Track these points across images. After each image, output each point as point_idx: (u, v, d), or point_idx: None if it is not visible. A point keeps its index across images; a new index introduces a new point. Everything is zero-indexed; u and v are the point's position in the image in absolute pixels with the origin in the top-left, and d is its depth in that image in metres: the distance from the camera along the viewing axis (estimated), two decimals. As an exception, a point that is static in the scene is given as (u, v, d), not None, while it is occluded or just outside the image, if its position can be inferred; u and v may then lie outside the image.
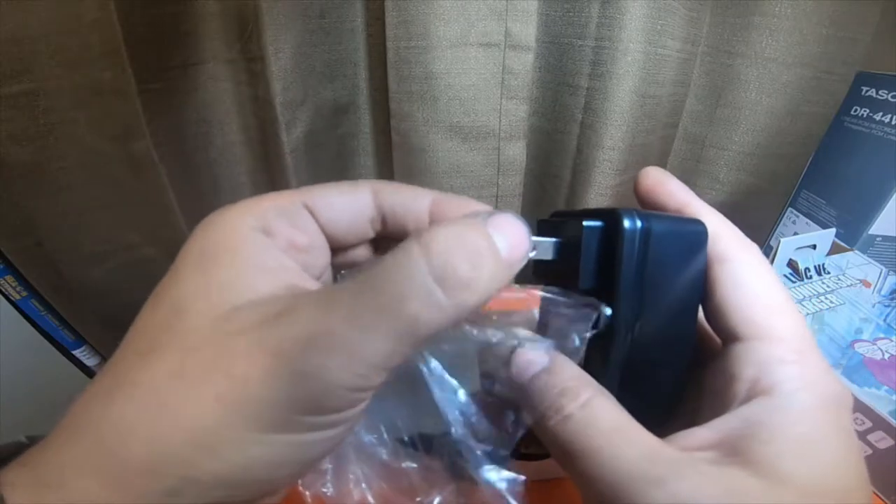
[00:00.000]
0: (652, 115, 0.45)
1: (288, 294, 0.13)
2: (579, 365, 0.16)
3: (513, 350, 0.17)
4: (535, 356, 0.16)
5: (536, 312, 0.46)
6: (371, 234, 0.17)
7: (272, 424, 0.11)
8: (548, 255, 0.17)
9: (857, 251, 0.49)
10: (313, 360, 0.11)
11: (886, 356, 0.38)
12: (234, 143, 0.49)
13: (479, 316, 0.18)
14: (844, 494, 0.13)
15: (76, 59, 0.37)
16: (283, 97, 0.43)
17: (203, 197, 0.49)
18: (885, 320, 0.42)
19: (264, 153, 0.49)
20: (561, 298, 0.17)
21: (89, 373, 0.50)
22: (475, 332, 0.18)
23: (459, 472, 0.16)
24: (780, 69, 0.45)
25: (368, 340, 0.11)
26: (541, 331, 0.20)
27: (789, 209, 0.60)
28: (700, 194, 0.57)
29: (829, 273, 0.47)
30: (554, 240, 0.17)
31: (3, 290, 0.43)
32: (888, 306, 0.44)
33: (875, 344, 0.39)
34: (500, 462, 0.16)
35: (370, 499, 0.16)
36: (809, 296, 0.44)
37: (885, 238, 0.51)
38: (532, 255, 0.15)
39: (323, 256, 0.17)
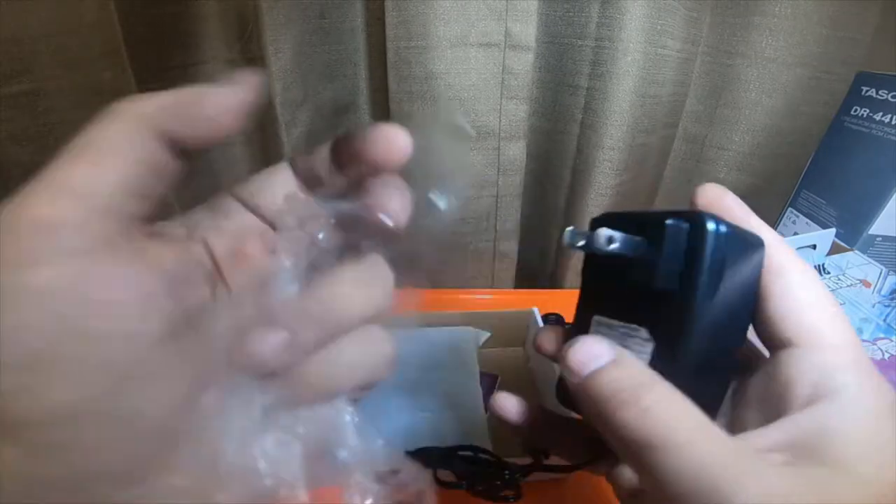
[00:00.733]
0: (652, 115, 0.45)
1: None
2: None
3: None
4: (600, 349, 0.16)
5: (537, 312, 0.46)
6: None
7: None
8: (626, 250, 0.16)
9: (857, 251, 0.49)
10: None
11: (886, 356, 0.38)
12: (234, 143, 0.49)
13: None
14: None
15: (76, 59, 0.37)
16: (283, 97, 0.43)
17: (203, 197, 0.50)
18: (885, 320, 0.42)
19: (264, 153, 0.49)
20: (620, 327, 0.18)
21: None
22: None
23: None
24: (780, 69, 0.45)
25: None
26: None
27: (789, 209, 0.60)
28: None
29: (829, 273, 0.47)
30: (637, 237, 0.16)
31: (3, 290, 0.43)
32: (888, 306, 0.44)
33: (875, 344, 0.39)
34: None
35: None
36: (809, 296, 0.44)
37: (885, 238, 0.51)
38: (613, 247, 0.15)
39: None
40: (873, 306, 0.44)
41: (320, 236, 0.15)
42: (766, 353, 0.17)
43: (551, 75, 0.47)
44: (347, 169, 0.16)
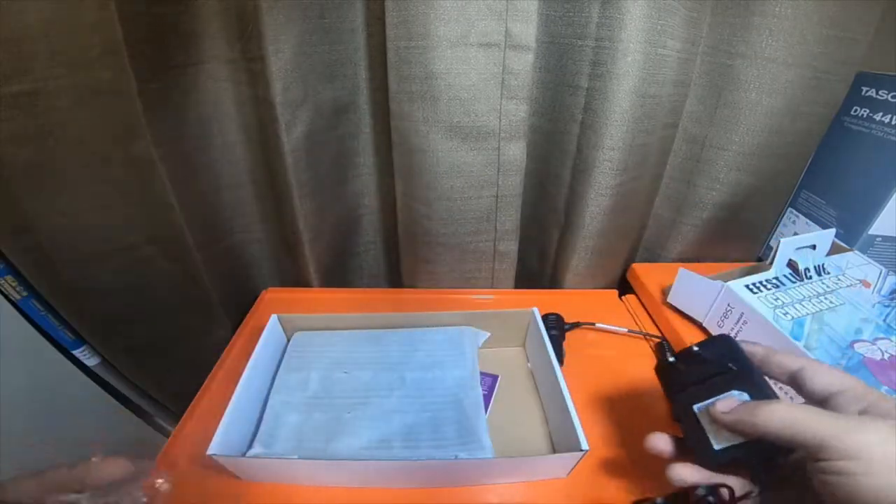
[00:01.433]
0: (652, 115, 0.45)
1: None
2: None
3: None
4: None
5: (537, 312, 0.46)
6: None
7: None
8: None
9: (857, 251, 0.49)
10: None
11: (886, 356, 0.38)
12: (234, 143, 0.49)
13: None
14: None
15: (76, 59, 0.37)
16: (283, 97, 0.43)
17: (203, 197, 0.49)
18: (884, 320, 0.42)
19: (264, 153, 0.49)
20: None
21: (89, 373, 0.50)
22: None
23: None
24: (780, 69, 0.45)
25: None
26: None
27: (789, 209, 0.60)
28: (700, 194, 0.57)
29: (829, 273, 0.47)
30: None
31: (3, 290, 0.43)
32: (888, 306, 0.44)
33: (875, 344, 0.39)
34: None
35: None
36: (809, 296, 0.44)
37: (885, 238, 0.51)
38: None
39: None
40: (873, 306, 0.44)
41: None
42: None
43: (551, 75, 0.47)
44: None
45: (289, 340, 0.45)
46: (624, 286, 0.59)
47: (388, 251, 0.62)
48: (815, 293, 0.45)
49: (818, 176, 0.56)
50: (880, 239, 0.51)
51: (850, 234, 0.52)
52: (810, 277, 0.47)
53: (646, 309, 0.54)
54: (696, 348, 0.30)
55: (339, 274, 0.60)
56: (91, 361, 0.50)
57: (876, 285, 0.46)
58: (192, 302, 0.52)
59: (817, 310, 0.43)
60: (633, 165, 0.48)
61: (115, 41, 0.37)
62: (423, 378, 0.40)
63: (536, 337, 0.43)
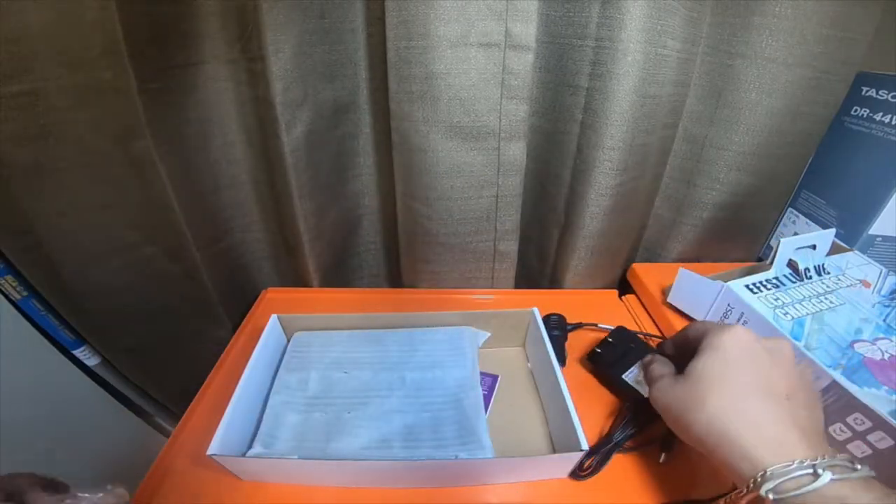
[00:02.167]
0: (652, 115, 0.45)
1: None
2: None
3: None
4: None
5: (537, 312, 0.46)
6: None
7: None
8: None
9: (857, 251, 0.49)
10: None
11: (886, 356, 0.38)
12: (234, 143, 0.49)
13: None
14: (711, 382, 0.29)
15: (76, 59, 0.37)
16: (283, 97, 0.43)
17: (203, 197, 0.49)
18: (884, 320, 0.42)
19: (264, 153, 0.49)
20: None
21: (89, 373, 0.50)
22: None
23: None
24: (780, 69, 0.45)
25: None
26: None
27: (789, 209, 0.60)
28: (700, 194, 0.57)
29: (829, 273, 0.47)
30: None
31: (3, 290, 0.43)
32: (888, 306, 0.44)
33: (875, 344, 0.39)
34: None
35: None
36: (809, 296, 0.44)
37: (885, 238, 0.51)
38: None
39: None
40: (873, 306, 0.44)
41: None
42: None
43: (551, 75, 0.47)
44: None
45: (289, 340, 0.45)
46: (624, 286, 0.59)
47: (388, 251, 0.62)
48: (815, 293, 0.45)
49: (818, 176, 0.56)
50: (880, 239, 0.51)
51: (851, 234, 0.52)
52: (810, 277, 0.47)
53: (646, 309, 0.54)
54: (609, 339, 0.45)
55: (339, 274, 0.60)
56: (91, 361, 0.50)
57: (876, 285, 0.46)
58: (192, 302, 0.52)
59: (817, 310, 0.43)
60: (633, 165, 0.48)
61: (115, 41, 0.37)
62: (423, 378, 0.40)
63: (536, 337, 0.43)
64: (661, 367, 0.33)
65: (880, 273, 0.46)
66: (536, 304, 0.45)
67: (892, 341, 0.39)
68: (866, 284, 0.46)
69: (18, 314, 0.44)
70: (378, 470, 0.33)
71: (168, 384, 0.55)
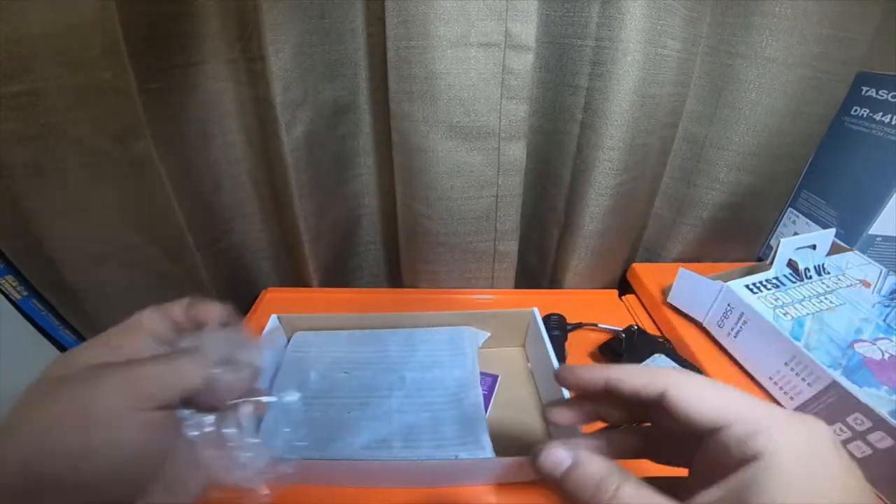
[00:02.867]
0: (652, 115, 0.45)
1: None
2: None
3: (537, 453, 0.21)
4: (562, 456, 0.20)
5: (537, 312, 0.46)
6: None
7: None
8: None
9: (857, 251, 0.49)
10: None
11: (886, 356, 0.38)
12: (235, 143, 0.49)
13: None
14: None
15: (76, 59, 0.37)
16: (283, 97, 0.43)
17: (203, 197, 0.49)
18: (885, 320, 0.42)
19: (264, 153, 0.49)
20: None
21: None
22: None
23: None
24: (780, 69, 0.45)
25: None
26: None
27: (789, 209, 0.60)
28: (700, 194, 0.57)
29: (829, 273, 0.47)
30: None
31: (3, 290, 0.43)
32: (888, 306, 0.44)
33: (875, 344, 0.39)
34: None
35: None
36: (809, 296, 0.44)
37: (885, 238, 0.51)
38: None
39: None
40: (873, 306, 0.44)
41: None
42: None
43: (551, 75, 0.47)
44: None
45: (289, 340, 0.45)
46: (624, 286, 0.59)
47: (388, 251, 0.62)
48: (815, 293, 0.45)
49: (818, 176, 0.56)
50: (880, 239, 0.51)
51: (850, 234, 0.52)
52: (810, 277, 0.47)
53: (646, 309, 0.54)
54: (622, 334, 0.45)
55: (339, 274, 0.60)
56: (91, 361, 0.50)
57: (876, 285, 0.46)
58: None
59: (817, 310, 0.43)
60: (632, 165, 0.48)
61: (115, 41, 0.37)
62: (423, 378, 0.40)
63: (537, 337, 0.43)
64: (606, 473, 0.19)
65: (880, 273, 0.46)
66: (536, 304, 0.45)
67: (892, 341, 0.39)
68: (866, 284, 0.46)
69: (18, 314, 0.44)
70: (378, 470, 0.33)
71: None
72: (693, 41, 0.45)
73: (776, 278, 0.46)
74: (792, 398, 0.37)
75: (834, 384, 0.34)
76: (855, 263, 0.48)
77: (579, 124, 0.47)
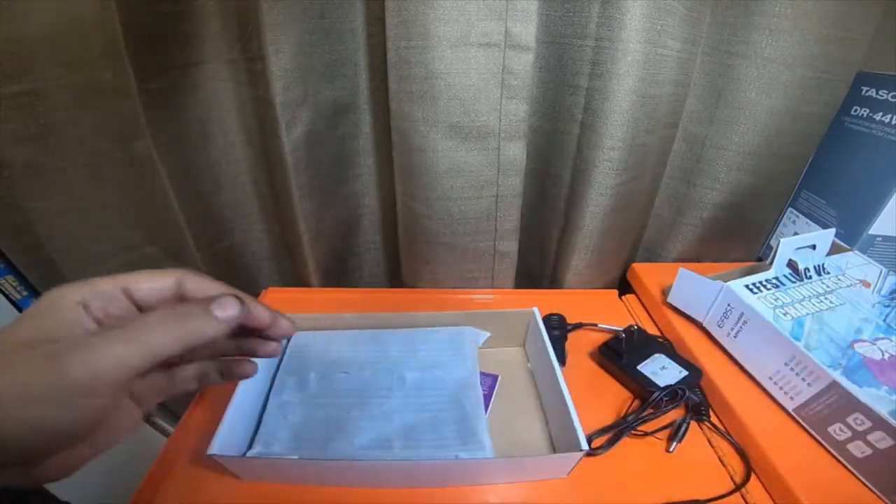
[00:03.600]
0: (652, 115, 0.45)
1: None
2: None
3: None
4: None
5: (537, 312, 0.46)
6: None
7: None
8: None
9: (857, 251, 0.49)
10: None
11: (886, 356, 0.38)
12: (235, 143, 0.49)
13: None
14: None
15: (76, 59, 0.37)
16: (283, 97, 0.43)
17: (203, 197, 0.50)
18: (884, 320, 0.42)
19: (264, 153, 0.49)
20: None
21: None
22: None
23: None
24: (780, 69, 0.45)
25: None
26: None
27: (789, 209, 0.60)
28: (700, 194, 0.57)
29: (829, 273, 0.47)
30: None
31: (3, 290, 0.43)
32: (888, 306, 0.44)
33: (875, 344, 0.39)
34: None
35: None
36: (809, 296, 0.44)
37: (885, 238, 0.51)
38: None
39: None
40: (873, 306, 0.44)
41: None
42: None
43: (551, 75, 0.47)
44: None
45: (288, 341, 0.45)
46: (624, 286, 0.59)
47: (388, 251, 0.62)
48: (815, 293, 0.45)
49: (818, 176, 0.56)
50: (880, 239, 0.51)
51: (850, 233, 0.52)
52: (810, 277, 0.47)
53: (646, 309, 0.54)
54: (622, 334, 0.45)
55: (339, 274, 0.60)
56: (91, 361, 0.50)
57: (876, 285, 0.46)
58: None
59: (817, 310, 0.43)
60: (633, 165, 0.48)
61: (115, 41, 0.37)
62: (423, 378, 0.40)
63: (537, 337, 0.43)
64: None
65: (880, 273, 0.46)
66: (536, 304, 0.45)
67: (892, 341, 0.39)
68: (866, 284, 0.46)
69: (18, 314, 0.44)
70: (378, 470, 0.33)
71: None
72: (693, 41, 0.45)
73: (776, 278, 0.46)
74: (792, 398, 0.37)
75: (834, 384, 0.34)
76: (855, 263, 0.48)
77: (579, 124, 0.47)
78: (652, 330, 0.51)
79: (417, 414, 0.37)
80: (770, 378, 0.39)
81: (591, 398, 0.42)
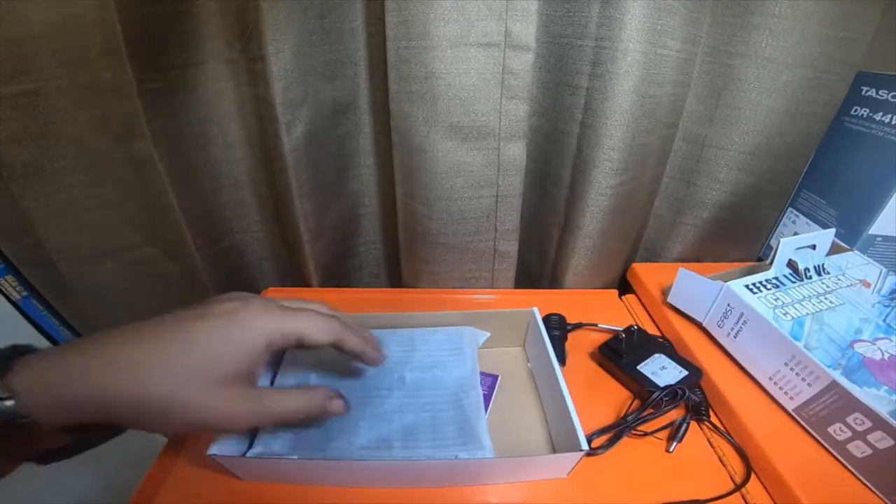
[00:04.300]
0: (652, 114, 0.45)
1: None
2: None
3: None
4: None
5: (537, 312, 0.46)
6: None
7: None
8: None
9: (857, 251, 0.49)
10: None
11: (886, 356, 0.38)
12: (235, 142, 0.49)
13: None
14: None
15: (76, 59, 0.37)
16: (283, 97, 0.43)
17: (203, 197, 0.50)
18: (884, 320, 0.42)
19: (264, 153, 0.49)
20: None
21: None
22: None
23: None
24: (780, 69, 0.45)
25: None
26: None
27: (789, 209, 0.60)
28: (700, 194, 0.57)
29: (829, 273, 0.47)
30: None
31: (3, 290, 0.43)
32: (888, 306, 0.44)
33: (875, 344, 0.39)
34: None
35: None
36: (809, 296, 0.44)
37: (885, 238, 0.51)
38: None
39: None
40: (873, 306, 0.44)
41: None
42: None
43: (551, 75, 0.47)
44: None
45: (289, 340, 0.45)
46: (624, 286, 0.59)
47: (388, 251, 0.62)
48: (815, 293, 0.45)
49: (818, 176, 0.56)
50: (880, 239, 0.51)
51: (850, 233, 0.52)
52: (810, 277, 0.47)
53: (646, 309, 0.54)
54: (622, 334, 0.45)
55: (339, 274, 0.60)
56: (91, 361, 0.50)
57: (876, 285, 0.46)
58: (192, 302, 0.52)
59: (817, 310, 0.43)
60: (633, 165, 0.48)
61: (115, 41, 0.37)
62: (423, 378, 0.40)
63: (537, 337, 0.43)
64: None
65: (880, 273, 0.46)
66: (536, 304, 0.45)
67: (892, 341, 0.39)
68: (866, 284, 0.46)
69: (18, 314, 0.44)
70: (378, 470, 0.33)
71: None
72: (693, 41, 0.45)
73: (776, 278, 0.46)
74: (792, 398, 0.37)
75: (834, 384, 0.34)
76: (855, 263, 0.48)
77: (579, 124, 0.47)
78: (652, 330, 0.51)
79: (417, 414, 0.37)
80: (770, 378, 0.39)
81: (591, 398, 0.42)
